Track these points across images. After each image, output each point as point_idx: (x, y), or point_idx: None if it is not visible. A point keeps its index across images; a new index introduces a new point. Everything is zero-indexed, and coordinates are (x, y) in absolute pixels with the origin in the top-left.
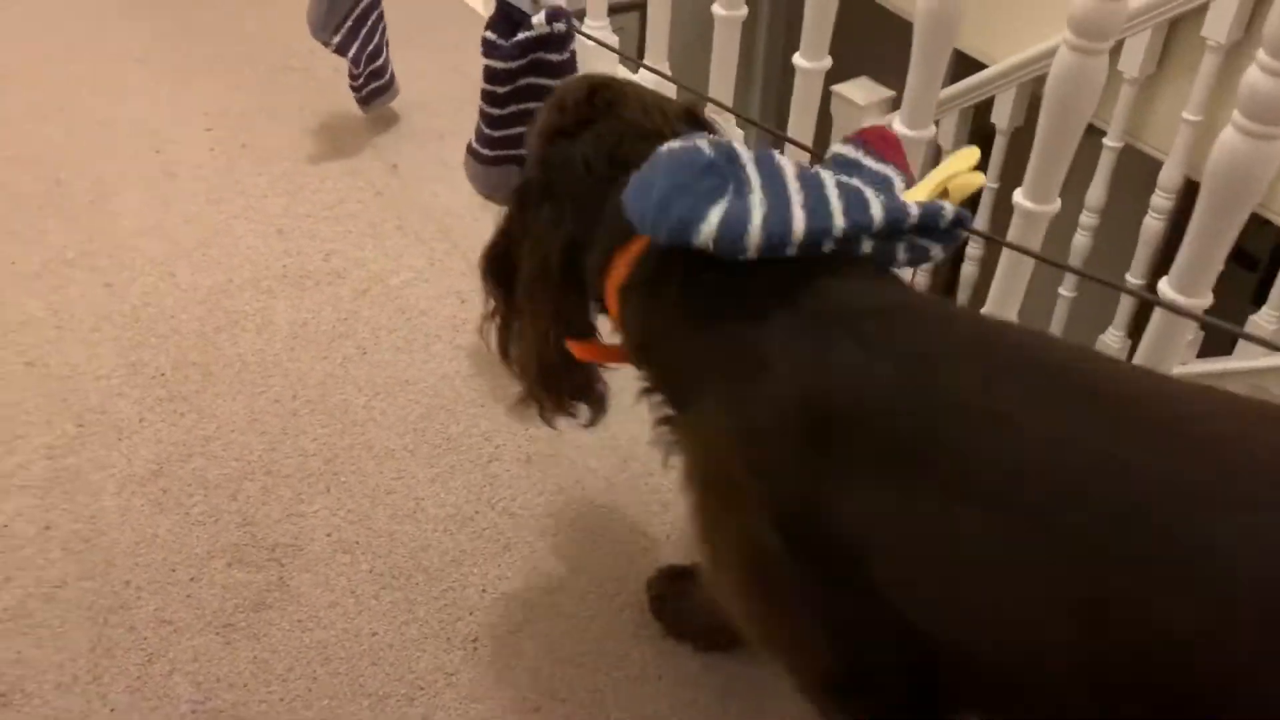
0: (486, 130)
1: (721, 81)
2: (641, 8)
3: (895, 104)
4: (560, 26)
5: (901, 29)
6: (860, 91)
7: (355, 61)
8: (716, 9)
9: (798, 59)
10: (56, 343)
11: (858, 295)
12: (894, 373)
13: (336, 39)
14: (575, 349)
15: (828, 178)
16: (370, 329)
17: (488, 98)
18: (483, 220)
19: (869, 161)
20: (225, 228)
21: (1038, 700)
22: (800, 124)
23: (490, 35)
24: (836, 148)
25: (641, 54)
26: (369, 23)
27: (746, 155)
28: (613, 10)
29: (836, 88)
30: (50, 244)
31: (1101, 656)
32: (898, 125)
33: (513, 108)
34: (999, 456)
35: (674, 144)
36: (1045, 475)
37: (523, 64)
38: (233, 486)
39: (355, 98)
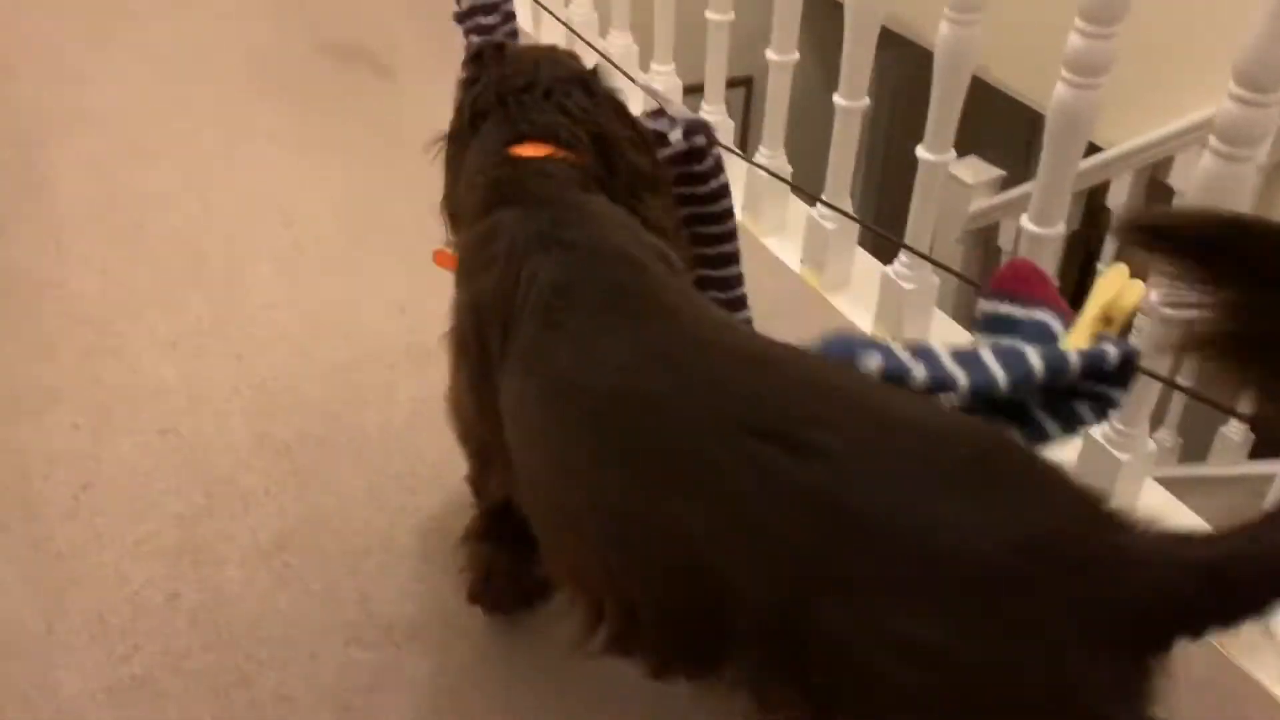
0: None
1: (839, 173)
2: (747, 83)
3: (1004, 183)
4: (700, 140)
5: (1007, 105)
6: (969, 171)
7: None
8: (838, 99)
9: (921, 151)
10: (189, 412)
11: (580, 233)
12: (541, 305)
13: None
14: (438, 256)
15: (984, 349)
16: None
17: None
18: None
19: (1019, 311)
20: (351, 303)
21: (565, 549)
22: (922, 215)
23: None
24: (983, 305)
25: (745, 136)
26: None
27: (904, 349)
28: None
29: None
30: (188, 315)
31: (606, 518)
32: (1025, 222)
33: None
34: (568, 377)
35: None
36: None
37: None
38: (352, 561)
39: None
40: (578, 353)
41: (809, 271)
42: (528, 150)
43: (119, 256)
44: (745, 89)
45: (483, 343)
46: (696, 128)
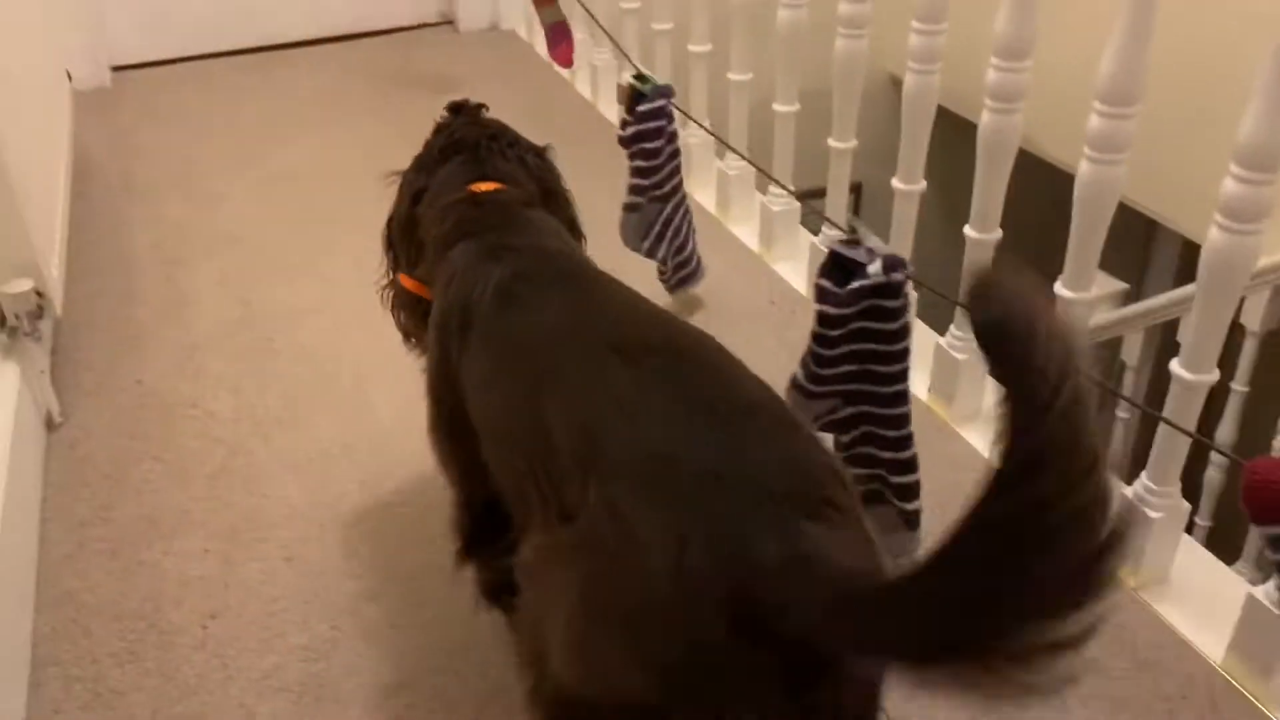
0: (814, 368)
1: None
2: (856, 189)
3: (1126, 297)
4: (898, 276)
5: (1120, 215)
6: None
7: (663, 261)
8: (968, 230)
9: (969, 230)
10: (316, 539)
11: (522, 254)
12: (496, 293)
13: (645, 244)
14: (405, 281)
15: None
16: None
17: (819, 339)
18: None
19: None
20: None
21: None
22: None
23: (823, 282)
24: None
25: None
26: (673, 225)
27: None
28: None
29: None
30: (318, 435)
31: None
32: (1178, 369)
33: (843, 349)
34: (514, 336)
35: None
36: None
37: (856, 310)
38: (474, 708)
39: (665, 287)
40: (528, 315)
41: (936, 400)
42: (485, 187)
43: (251, 376)
44: (855, 195)
45: (445, 351)
46: (895, 264)
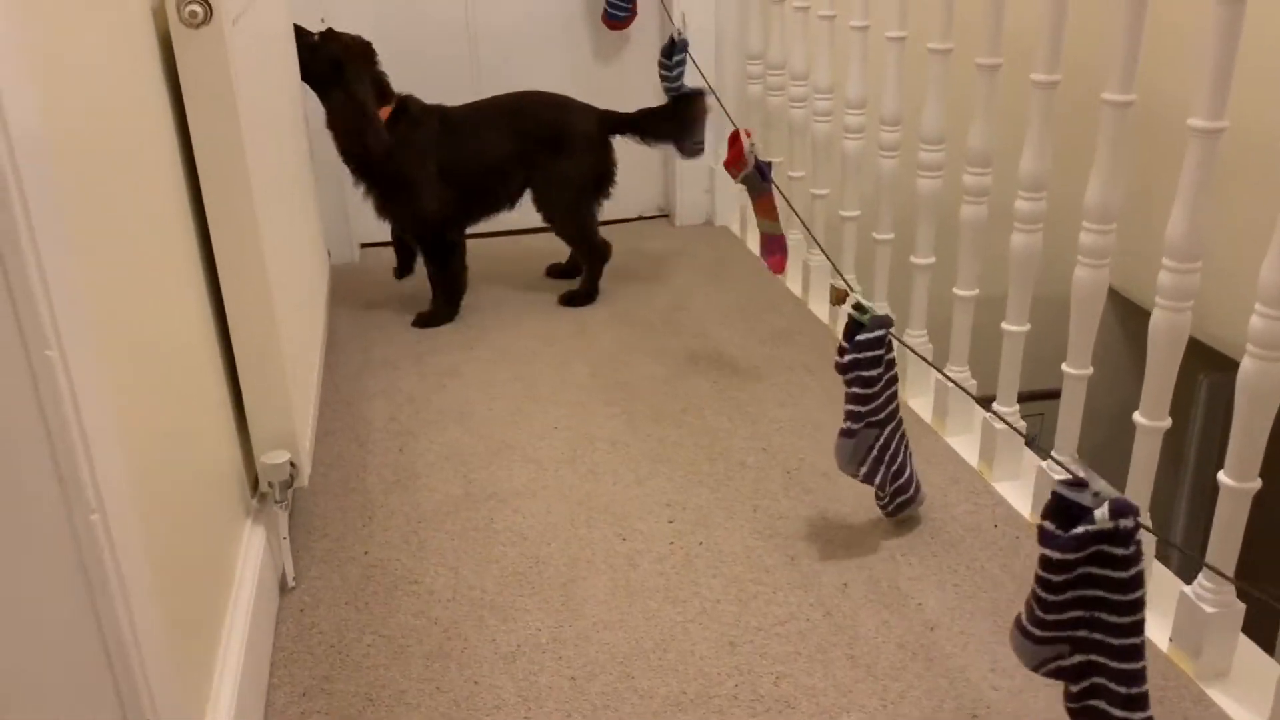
0: (1039, 612)
1: (1138, 488)
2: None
3: None
4: (1127, 524)
5: None
6: None
7: (880, 487)
8: (1138, 417)
9: (1222, 477)
10: None
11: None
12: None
13: (863, 470)
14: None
15: None
16: None
17: (1043, 583)
18: (1006, 686)
19: None
20: (681, 631)
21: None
22: (1222, 545)
23: (1046, 524)
24: None
25: None
26: (892, 447)
27: None
28: (1027, 398)
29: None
30: (527, 624)
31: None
32: None
33: (1069, 594)
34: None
35: None
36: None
37: (1082, 556)
38: None
39: (882, 511)
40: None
41: (1179, 654)
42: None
43: (469, 555)
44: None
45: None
46: (1124, 510)
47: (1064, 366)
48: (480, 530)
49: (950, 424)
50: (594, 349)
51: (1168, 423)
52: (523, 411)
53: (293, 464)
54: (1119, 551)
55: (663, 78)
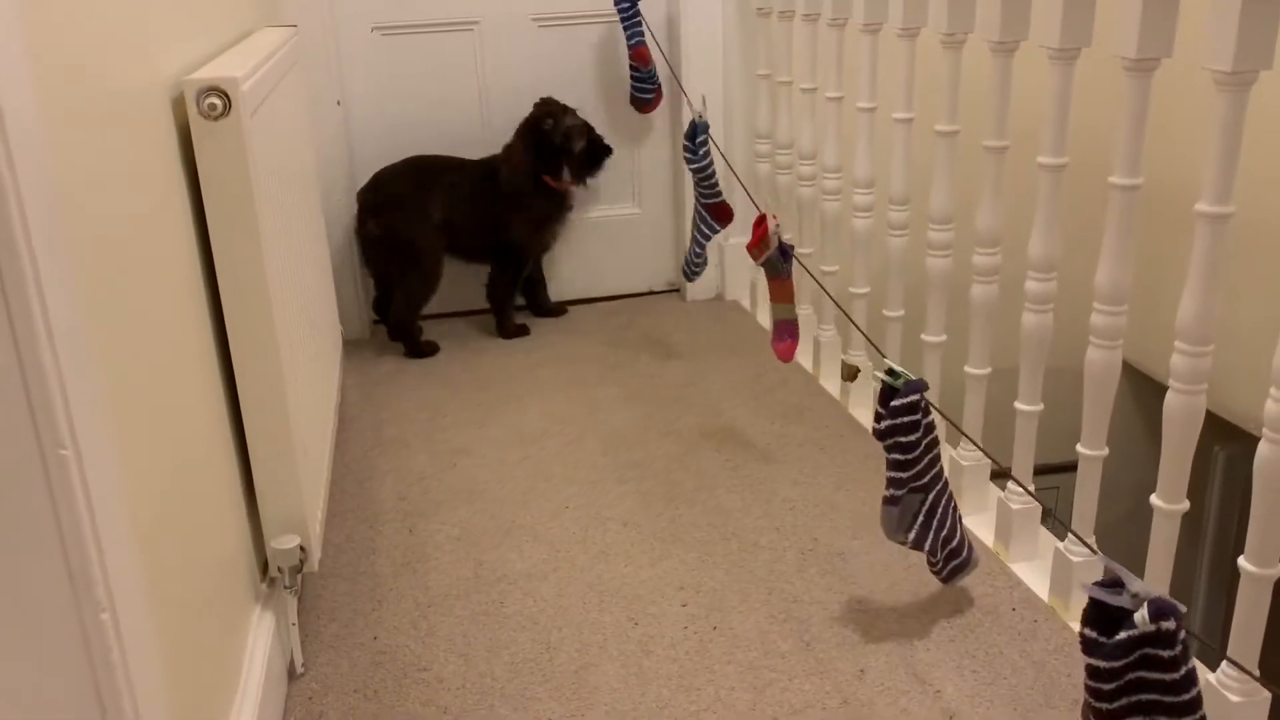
0: (1094, 702)
1: (1157, 572)
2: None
3: None
4: (1169, 625)
5: None
6: None
7: (931, 551)
8: (1155, 500)
9: (1243, 563)
10: None
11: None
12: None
13: (911, 536)
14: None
15: None
16: None
17: (1095, 693)
18: None
19: None
20: None
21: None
22: (1244, 634)
23: (1088, 632)
24: None
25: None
26: (939, 511)
27: None
28: (1042, 470)
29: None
30: (538, 713)
31: None
32: None
33: (1124, 701)
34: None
35: None
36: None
37: (1129, 661)
38: None
39: (937, 578)
40: None
41: None
42: None
43: (479, 640)
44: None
45: None
46: (1166, 610)
47: (1079, 447)
48: (490, 615)
49: (965, 502)
50: (606, 427)
51: (1185, 505)
52: (533, 490)
53: (303, 548)
54: (1165, 654)
55: (687, 160)
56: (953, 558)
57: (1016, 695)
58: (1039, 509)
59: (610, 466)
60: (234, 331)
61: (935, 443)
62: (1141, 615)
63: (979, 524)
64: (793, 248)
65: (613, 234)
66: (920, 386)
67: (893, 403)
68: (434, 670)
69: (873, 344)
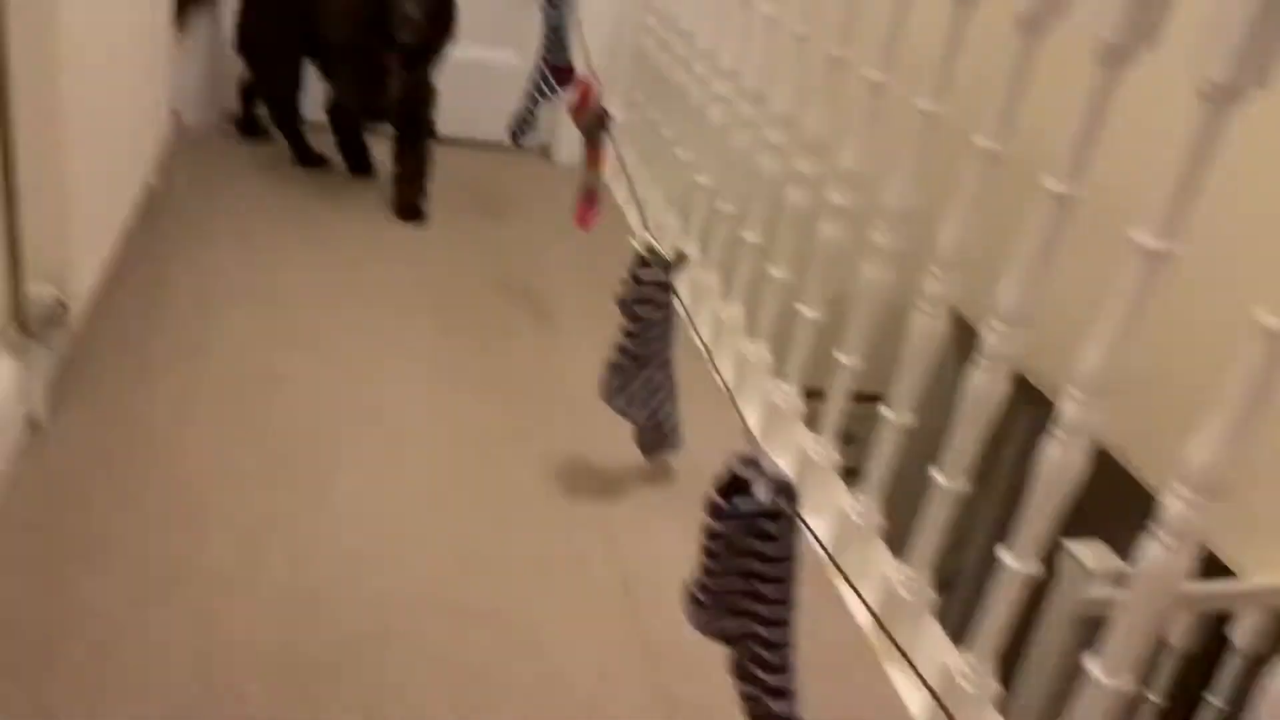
0: (705, 560)
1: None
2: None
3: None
4: (782, 504)
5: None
6: (1091, 555)
7: (636, 422)
8: (935, 474)
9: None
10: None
11: None
12: None
13: (621, 401)
14: None
15: None
16: None
17: (707, 553)
18: None
19: None
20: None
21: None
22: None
23: (717, 499)
24: None
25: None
26: (658, 390)
27: None
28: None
29: (1068, 543)
30: (272, 502)
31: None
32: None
33: (730, 563)
34: None
35: None
36: None
37: (741, 527)
38: None
39: (640, 449)
40: None
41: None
42: None
43: (236, 432)
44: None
45: None
46: (784, 490)
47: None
48: (255, 411)
49: (744, 395)
50: (427, 259)
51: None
52: (339, 305)
53: (62, 303)
54: (771, 527)
55: (545, 12)
56: (655, 431)
57: None
58: (799, 409)
59: (423, 304)
60: (15, 50)
61: (672, 328)
62: (765, 490)
63: (750, 415)
64: (612, 117)
65: (494, 80)
66: (668, 266)
67: (641, 275)
68: (185, 449)
69: (645, 220)
